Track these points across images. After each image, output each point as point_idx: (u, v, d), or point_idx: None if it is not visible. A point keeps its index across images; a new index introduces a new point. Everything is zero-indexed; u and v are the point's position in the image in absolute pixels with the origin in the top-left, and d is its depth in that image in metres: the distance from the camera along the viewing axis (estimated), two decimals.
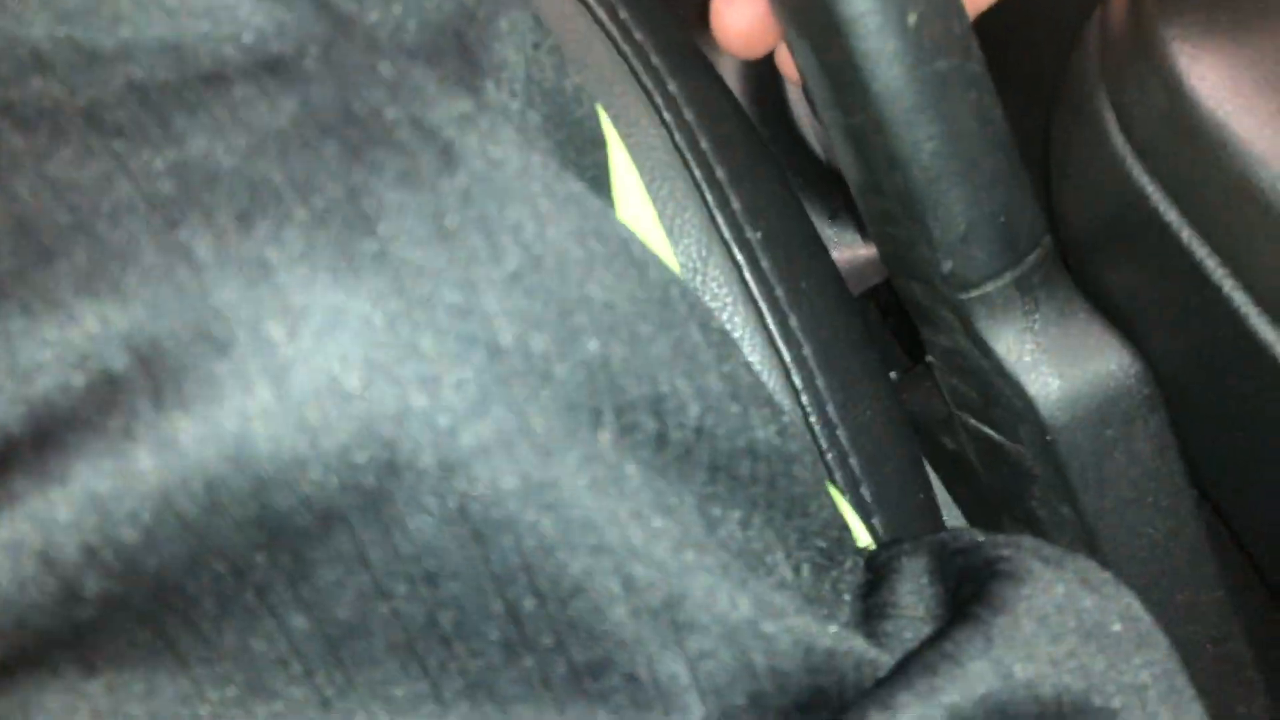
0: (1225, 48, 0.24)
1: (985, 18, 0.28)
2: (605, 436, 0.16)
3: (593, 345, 0.16)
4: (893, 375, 0.42)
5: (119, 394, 0.14)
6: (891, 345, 0.50)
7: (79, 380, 0.14)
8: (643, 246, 0.18)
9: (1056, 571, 0.19)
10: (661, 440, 0.17)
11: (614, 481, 0.16)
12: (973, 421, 0.32)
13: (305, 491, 0.15)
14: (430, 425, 0.15)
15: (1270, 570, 0.31)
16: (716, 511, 0.18)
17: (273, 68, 0.16)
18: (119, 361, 0.14)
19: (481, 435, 0.15)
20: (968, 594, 0.19)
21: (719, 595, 0.17)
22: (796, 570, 0.19)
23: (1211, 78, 0.23)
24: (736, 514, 0.18)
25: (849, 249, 0.51)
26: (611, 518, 0.16)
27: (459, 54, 0.19)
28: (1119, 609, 0.19)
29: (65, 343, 0.14)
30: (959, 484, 0.38)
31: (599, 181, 0.23)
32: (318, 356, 0.15)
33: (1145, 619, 0.20)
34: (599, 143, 0.23)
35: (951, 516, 0.39)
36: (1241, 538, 0.31)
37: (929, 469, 0.38)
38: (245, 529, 0.15)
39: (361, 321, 0.15)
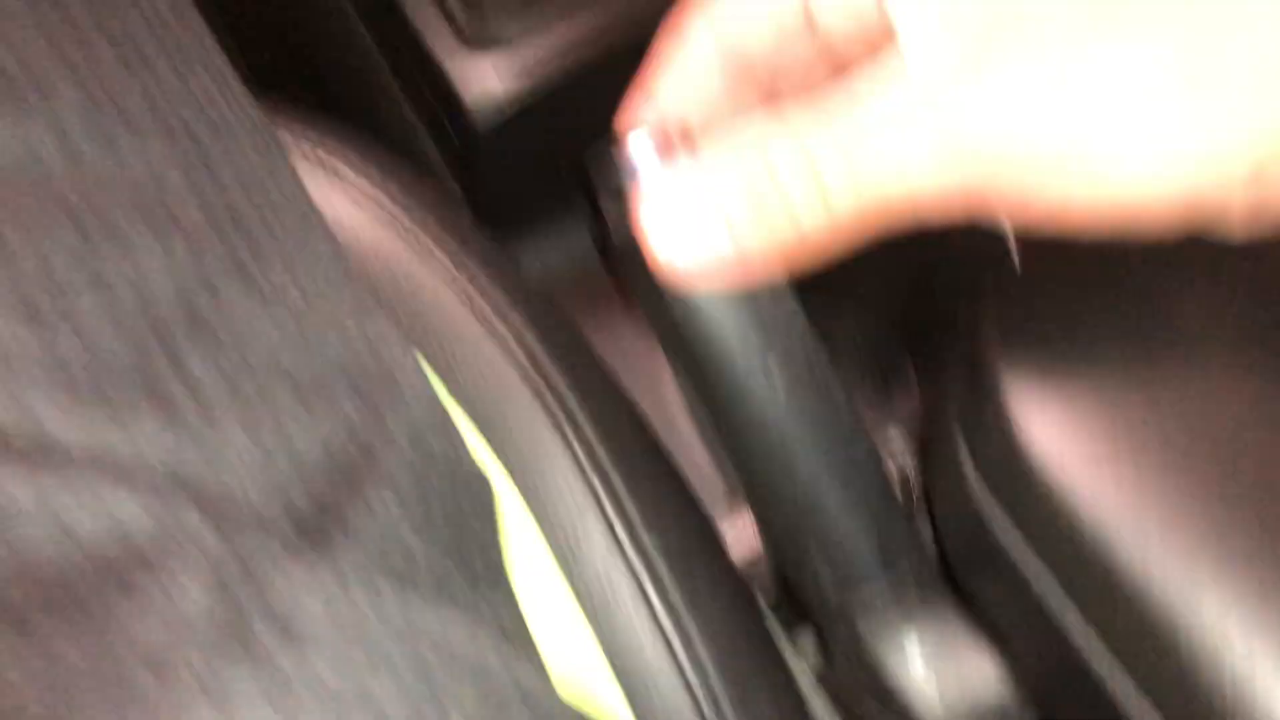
0: (1059, 395, 0.27)
1: None
2: None
3: None
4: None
5: None
6: None
7: None
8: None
9: None
10: None
11: None
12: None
13: None
14: None
15: None
16: None
17: (153, 573, 0.18)
18: None
19: None
20: None
21: None
22: None
23: (1046, 433, 0.26)
24: None
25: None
26: None
27: (341, 491, 0.21)
28: None
29: None
30: None
31: (486, 550, 0.25)
32: None
33: None
34: (488, 505, 0.25)
35: None
36: None
37: None
38: None
39: None
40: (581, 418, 0.32)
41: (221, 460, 0.20)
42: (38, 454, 0.19)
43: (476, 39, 0.49)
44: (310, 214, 0.25)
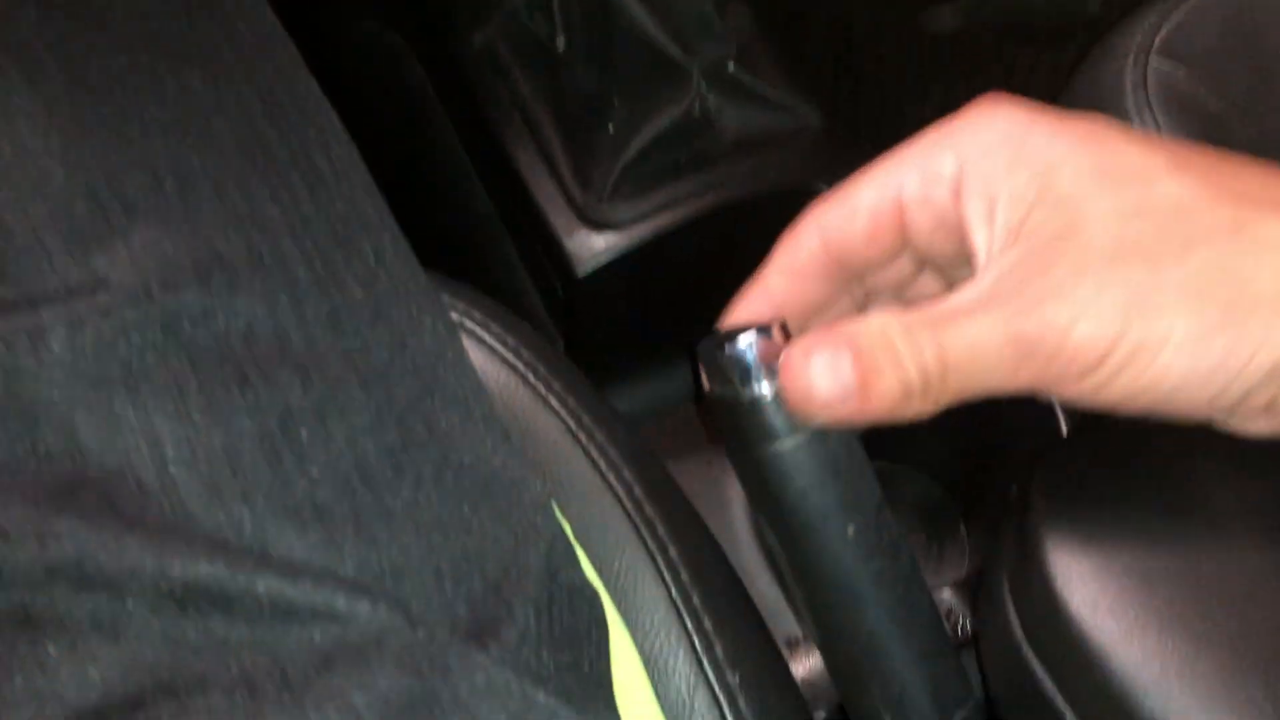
0: (1097, 559, 0.31)
1: None
2: None
3: None
4: None
5: None
6: None
7: None
8: None
9: None
10: None
11: None
12: None
13: None
14: None
15: None
16: None
17: (366, 658, 0.23)
18: None
19: None
20: None
21: None
22: None
23: (1082, 587, 0.31)
24: None
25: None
26: None
27: (494, 598, 0.27)
28: None
29: None
30: None
31: (600, 665, 0.30)
32: None
33: None
34: (603, 627, 0.30)
35: None
36: None
37: None
38: None
39: None
40: (678, 560, 0.37)
41: (408, 576, 0.26)
42: (277, 566, 0.24)
43: (592, 219, 0.57)
44: (475, 384, 0.31)
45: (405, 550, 0.26)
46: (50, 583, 0.23)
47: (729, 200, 0.57)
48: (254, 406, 0.26)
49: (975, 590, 0.59)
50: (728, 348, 0.32)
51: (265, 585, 0.23)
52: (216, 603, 0.23)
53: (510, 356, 0.42)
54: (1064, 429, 0.42)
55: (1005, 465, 0.59)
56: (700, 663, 0.36)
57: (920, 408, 0.29)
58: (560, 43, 0.60)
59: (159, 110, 0.28)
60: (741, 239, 0.63)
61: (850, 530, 0.32)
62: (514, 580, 0.28)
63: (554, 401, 0.41)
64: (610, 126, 0.58)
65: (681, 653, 0.36)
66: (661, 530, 0.38)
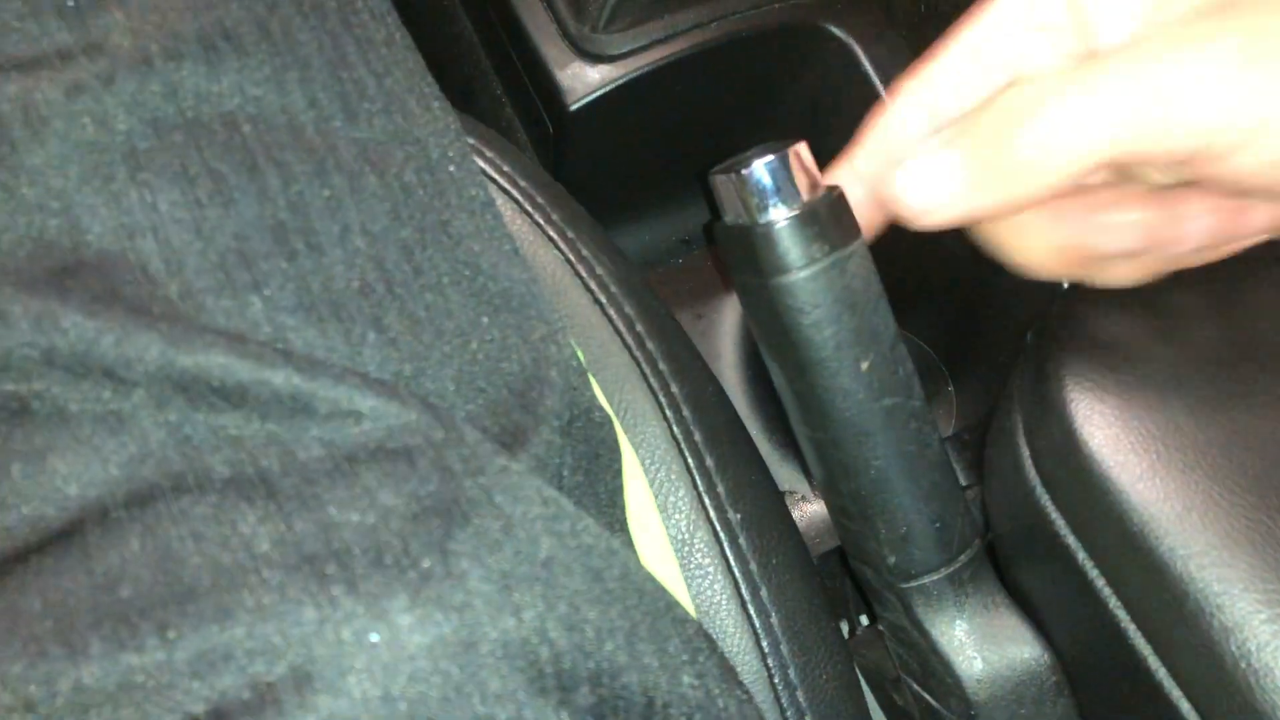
0: (1117, 400, 0.31)
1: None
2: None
3: (596, 657, 0.22)
4: (858, 624, 0.47)
5: (271, 693, 0.20)
6: (853, 597, 0.56)
7: (246, 683, 0.20)
8: (645, 577, 0.24)
9: None
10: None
11: None
12: (915, 686, 0.37)
13: None
14: None
15: None
16: None
17: (395, 458, 0.22)
18: (275, 672, 0.20)
19: None
20: None
21: None
22: None
23: (1103, 427, 0.30)
24: None
25: (818, 506, 0.57)
26: None
27: (520, 409, 0.25)
28: None
29: (234, 655, 0.20)
30: None
31: (613, 488, 0.29)
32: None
33: None
34: (615, 451, 0.29)
35: None
36: None
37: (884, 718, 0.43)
38: None
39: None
40: (680, 397, 0.36)
41: (431, 380, 0.24)
42: (295, 361, 0.23)
43: (585, 50, 0.54)
44: (486, 195, 0.29)
45: (428, 353, 0.25)
46: (48, 370, 0.21)
47: (732, 34, 0.54)
48: (264, 192, 0.24)
49: (968, 445, 0.59)
50: (744, 172, 0.31)
51: (282, 379, 0.22)
52: (229, 396, 0.21)
53: (506, 184, 0.40)
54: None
55: (997, 330, 0.58)
56: (701, 500, 0.35)
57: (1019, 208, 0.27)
58: None
59: None
60: (744, 77, 0.60)
61: (864, 365, 0.31)
62: (537, 393, 0.26)
63: (552, 232, 0.39)
64: None
65: (683, 489, 0.35)
66: (663, 367, 0.37)
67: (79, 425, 0.21)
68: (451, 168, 0.28)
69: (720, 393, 0.39)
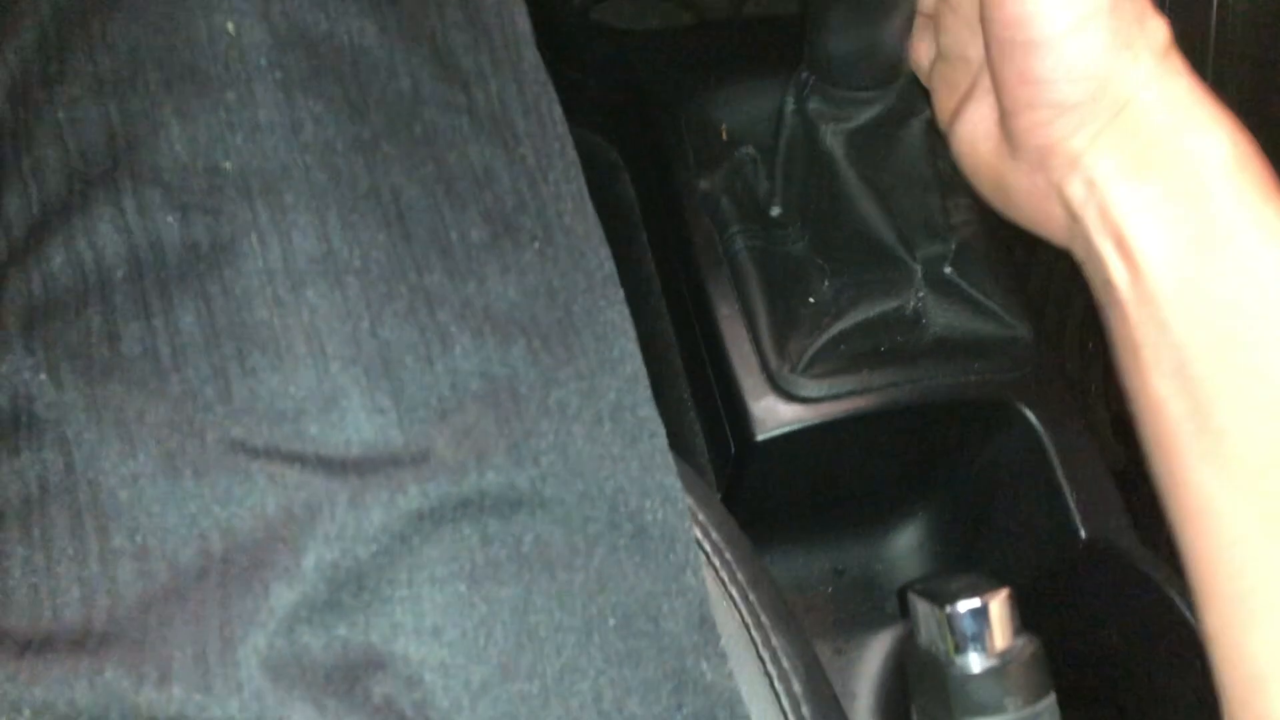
0: None
1: None
2: None
3: None
4: None
5: None
6: None
7: None
8: None
9: None
10: None
11: None
12: None
13: None
14: None
15: None
16: None
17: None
18: None
19: None
20: None
21: None
22: None
23: None
24: None
25: None
26: None
27: None
28: None
29: None
30: None
31: None
32: None
33: None
34: None
35: None
36: None
37: None
38: None
39: None
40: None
41: None
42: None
43: (781, 388, 0.57)
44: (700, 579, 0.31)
45: None
46: None
47: (924, 400, 0.56)
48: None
49: None
50: (947, 610, 0.31)
51: None
52: None
53: (699, 533, 0.41)
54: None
55: None
56: None
57: None
58: (776, 209, 0.60)
59: None
60: (926, 440, 0.62)
61: None
62: None
63: (734, 593, 0.40)
64: (813, 300, 0.58)
65: None
66: (806, 712, 0.37)
67: None
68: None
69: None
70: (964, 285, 0.58)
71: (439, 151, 0.29)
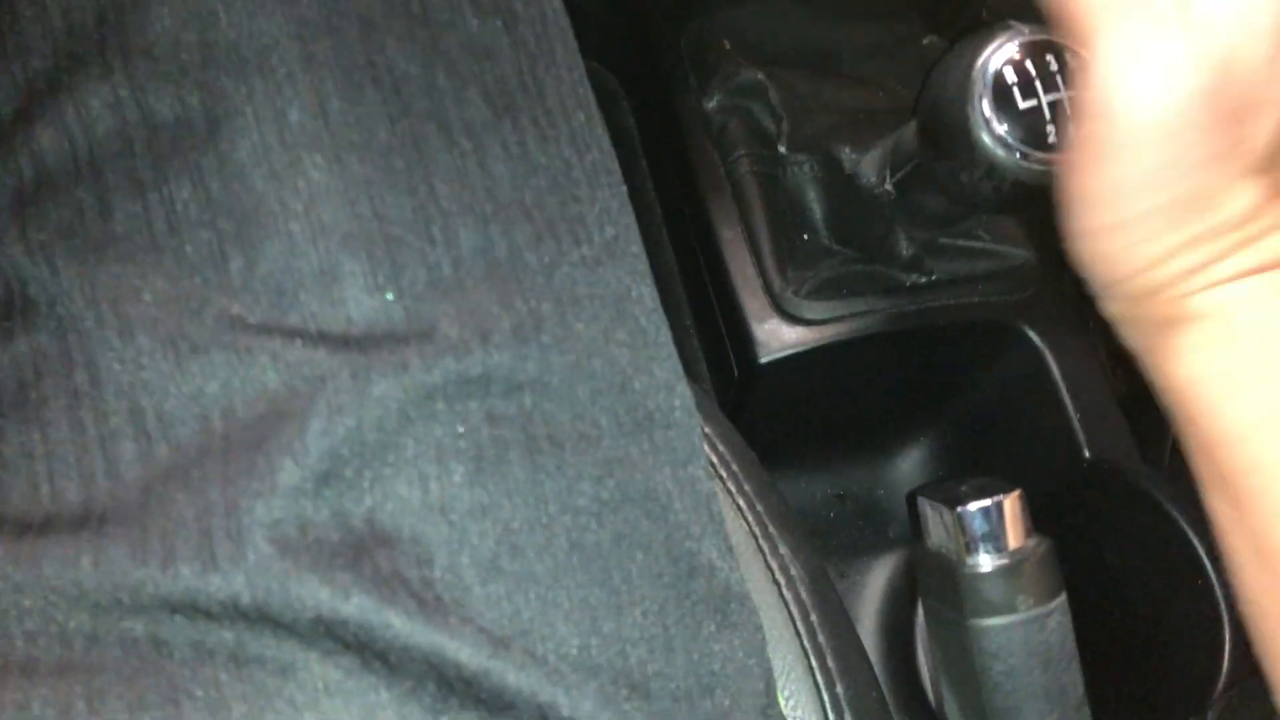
0: None
1: None
2: None
3: None
4: None
5: None
6: None
7: None
8: None
9: None
10: None
11: None
12: None
13: None
14: None
15: None
16: None
17: None
18: None
19: None
20: None
21: None
22: None
23: None
24: None
25: None
26: None
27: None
28: None
29: None
30: None
31: None
32: None
33: None
34: None
35: None
36: None
37: None
38: None
39: None
40: (844, 700, 0.36)
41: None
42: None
43: (785, 310, 0.56)
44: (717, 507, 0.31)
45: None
46: (326, 640, 0.23)
47: (928, 323, 0.56)
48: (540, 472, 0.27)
49: None
50: (959, 510, 0.31)
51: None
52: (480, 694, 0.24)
53: (706, 446, 0.41)
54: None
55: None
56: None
57: None
58: (783, 148, 0.60)
59: None
60: (929, 362, 0.62)
61: None
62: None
63: (741, 503, 0.40)
64: (819, 235, 0.58)
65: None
66: (831, 663, 0.37)
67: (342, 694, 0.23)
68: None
69: (880, 694, 0.39)
70: (960, 242, 0.57)
71: (437, 30, 0.28)
